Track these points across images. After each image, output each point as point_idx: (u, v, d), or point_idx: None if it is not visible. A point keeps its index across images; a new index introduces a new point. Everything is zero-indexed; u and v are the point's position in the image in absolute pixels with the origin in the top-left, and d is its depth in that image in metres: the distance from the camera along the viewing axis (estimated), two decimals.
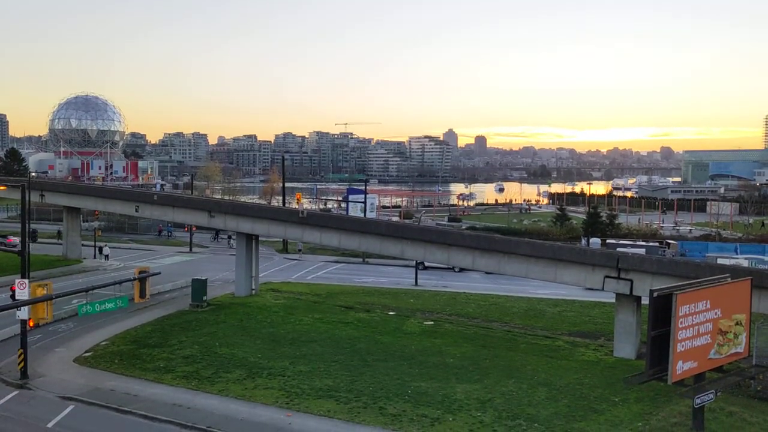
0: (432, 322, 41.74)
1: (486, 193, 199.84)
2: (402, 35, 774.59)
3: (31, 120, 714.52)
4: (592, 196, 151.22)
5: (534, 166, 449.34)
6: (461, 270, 59.31)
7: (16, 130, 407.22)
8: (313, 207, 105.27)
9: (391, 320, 42.11)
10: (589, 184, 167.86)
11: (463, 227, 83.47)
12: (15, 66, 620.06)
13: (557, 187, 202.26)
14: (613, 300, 36.62)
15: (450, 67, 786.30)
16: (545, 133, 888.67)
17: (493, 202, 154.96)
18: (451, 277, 59.68)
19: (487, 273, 54.91)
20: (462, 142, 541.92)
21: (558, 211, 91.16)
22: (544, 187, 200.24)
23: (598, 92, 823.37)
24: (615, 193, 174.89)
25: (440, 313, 44.63)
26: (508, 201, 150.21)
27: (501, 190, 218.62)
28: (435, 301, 48.98)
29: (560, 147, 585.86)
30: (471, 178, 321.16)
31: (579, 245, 63.38)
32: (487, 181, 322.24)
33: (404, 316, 43.19)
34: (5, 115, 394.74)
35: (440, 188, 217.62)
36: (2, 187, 60.83)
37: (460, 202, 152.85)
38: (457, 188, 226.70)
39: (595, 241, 70.11)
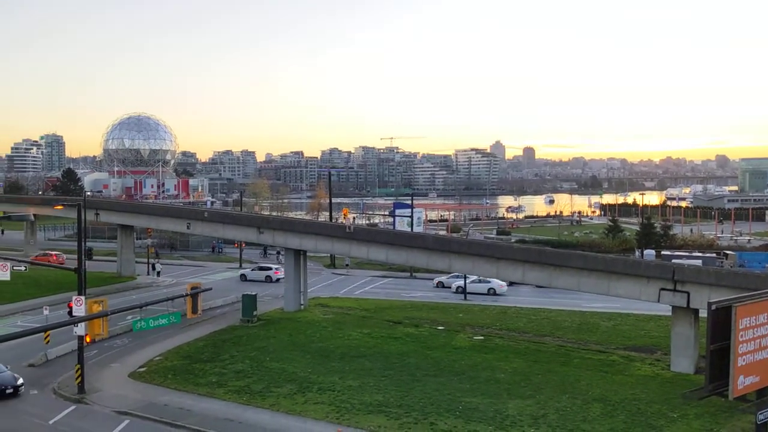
0: (482, 337, 41.25)
1: (535, 205, 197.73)
2: (449, 48, 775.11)
3: (86, 141, 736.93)
4: (645, 206, 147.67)
5: (584, 177, 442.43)
6: (511, 284, 58.52)
7: (72, 150, 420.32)
8: (360, 222, 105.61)
9: (440, 335, 41.77)
10: (642, 194, 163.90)
11: (513, 240, 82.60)
12: (70, 89, 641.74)
13: (609, 198, 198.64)
14: (670, 313, 35.64)
15: (496, 79, 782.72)
16: (595, 144, 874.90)
17: (543, 214, 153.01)
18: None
19: (537, 287, 54.12)
20: (509, 154, 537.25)
21: (610, 223, 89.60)
22: (595, 199, 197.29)
23: (650, 101, 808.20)
24: (669, 203, 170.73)
25: (490, 328, 44.08)
26: (558, 213, 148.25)
27: (551, 201, 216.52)
28: (484, 315, 48.42)
29: (611, 157, 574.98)
30: (519, 190, 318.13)
31: (633, 257, 62.11)
32: (536, 193, 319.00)
33: (453, 331, 42.79)
34: (62, 137, 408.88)
35: (488, 201, 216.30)
36: (59, 207, 62.91)
37: (509, 215, 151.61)
38: (506, 201, 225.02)
39: (650, 253, 68.66)
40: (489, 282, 56.50)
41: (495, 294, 57.08)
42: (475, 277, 55.64)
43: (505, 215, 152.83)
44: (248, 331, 42.60)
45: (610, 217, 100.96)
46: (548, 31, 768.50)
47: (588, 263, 37.47)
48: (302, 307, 49.47)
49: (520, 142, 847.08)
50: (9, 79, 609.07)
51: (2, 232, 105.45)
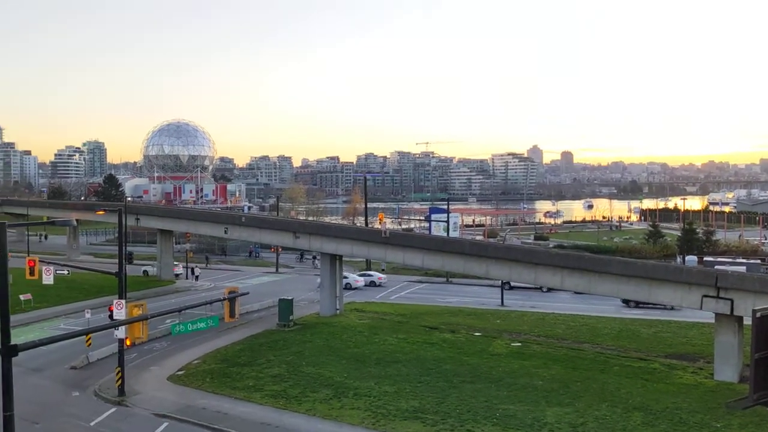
0: (519, 344, 40.81)
1: (574, 210, 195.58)
2: (485, 52, 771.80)
3: (126, 147, 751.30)
4: (686, 211, 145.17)
5: (624, 181, 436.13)
6: (549, 290, 57.94)
7: (113, 156, 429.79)
8: (394, 226, 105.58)
9: (477, 341, 41.45)
10: (683, 199, 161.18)
11: (551, 246, 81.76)
12: (110, 96, 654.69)
13: (649, 203, 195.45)
14: (713, 320, 34.84)
15: (533, 83, 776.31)
16: (635, 147, 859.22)
17: (581, 219, 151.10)
18: (538, 297, 58.34)
19: (576, 293, 53.46)
20: (547, 158, 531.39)
21: (651, 228, 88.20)
22: (635, 203, 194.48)
23: (691, 103, 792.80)
24: (711, 208, 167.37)
25: (528, 334, 43.61)
26: (597, 218, 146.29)
27: (590, 206, 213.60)
28: (522, 321, 47.94)
29: (651, 161, 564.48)
30: (557, 195, 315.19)
31: (674, 263, 61.03)
32: (574, 197, 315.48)
33: (490, 337, 42.43)
34: (103, 143, 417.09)
35: (525, 206, 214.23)
36: (101, 212, 64.15)
37: (547, 220, 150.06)
38: (543, 206, 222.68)
39: (692, 259, 67.39)
40: (346, 277, 60.84)
41: (351, 288, 61.39)
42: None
43: (543, 220, 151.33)
44: (284, 335, 42.80)
45: (651, 223, 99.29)
46: (585, 33, 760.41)
47: (628, 269, 36.81)
48: (338, 312, 49.56)
49: (558, 147, 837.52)
50: (53, 87, 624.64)
51: (45, 237, 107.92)
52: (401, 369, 34.65)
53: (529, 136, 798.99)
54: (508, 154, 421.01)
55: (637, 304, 51.78)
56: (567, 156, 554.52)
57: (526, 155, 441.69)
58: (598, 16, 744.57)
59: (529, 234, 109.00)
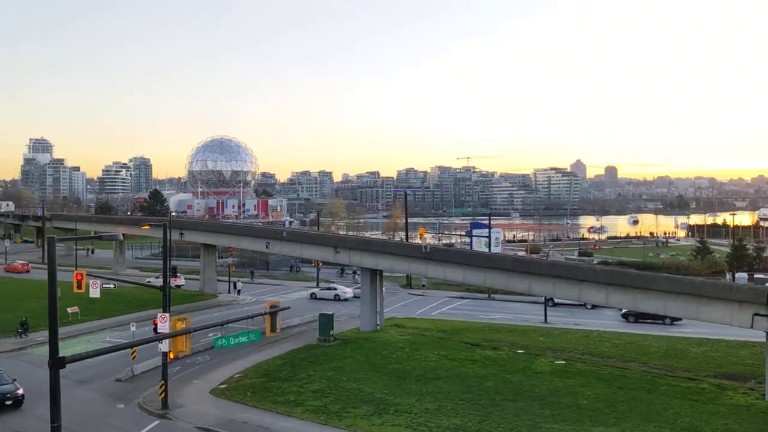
0: (563, 362, 40.07)
1: (618, 225, 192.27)
2: (525, 66, 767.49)
3: (171, 163, 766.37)
4: (736, 227, 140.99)
5: (670, 196, 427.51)
6: (593, 307, 56.94)
7: (158, 172, 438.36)
8: (436, 242, 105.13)
9: (519, 358, 40.85)
10: (732, 214, 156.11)
11: (595, 262, 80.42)
12: (156, 113, 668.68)
13: (697, 219, 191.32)
14: (764, 339, 33.71)
15: (575, 96, 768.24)
16: (681, 162, 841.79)
17: (626, 235, 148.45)
18: (582, 314, 57.36)
19: (621, 310, 52.51)
20: (591, 173, 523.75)
21: (698, 244, 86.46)
22: (682, 219, 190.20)
23: (739, 117, 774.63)
24: (762, 223, 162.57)
25: (572, 352, 42.81)
26: (643, 234, 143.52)
27: (635, 222, 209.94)
28: (566, 339, 47.12)
29: (698, 176, 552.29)
30: (602, 210, 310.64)
31: (723, 280, 59.50)
32: (619, 213, 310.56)
33: (533, 355, 41.78)
34: (149, 159, 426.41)
35: (569, 221, 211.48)
36: (146, 227, 65.34)
37: (591, 236, 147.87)
38: (587, 221, 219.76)
39: (742, 276, 65.71)
40: (335, 289, 67.52)
41: (339, 300, 64.97)
42: (324, 285, 71.39)
43: (587, 236, 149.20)
44: (325, 350, 42.83)
45: (699, 239, 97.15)
46: (629, 44, 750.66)
47: (675, 286, 35.92)
48: (378, 327, 49.42)
49: (602, 161, 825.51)
50: (101, 105, 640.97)
51: (92, 251, 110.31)
52: (442, 386, 34.31)
53: (572, 150, 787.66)
54: (551, 169, 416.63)
55: (637, 319, 52.98)
56: (611, 170, 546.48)
57: (569, 170, 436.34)
58: (644, 31, 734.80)
59: (573, 250, 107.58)
